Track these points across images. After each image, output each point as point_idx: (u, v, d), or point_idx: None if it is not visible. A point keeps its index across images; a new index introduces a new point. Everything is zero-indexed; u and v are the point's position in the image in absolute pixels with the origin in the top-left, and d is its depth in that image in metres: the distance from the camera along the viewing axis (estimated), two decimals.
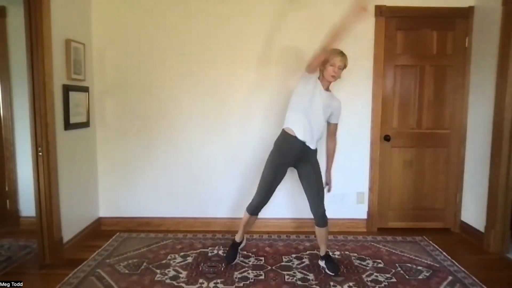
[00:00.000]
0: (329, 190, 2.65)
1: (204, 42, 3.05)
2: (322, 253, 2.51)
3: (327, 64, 2.34)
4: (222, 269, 2.46)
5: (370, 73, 3.06)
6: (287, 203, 3.18)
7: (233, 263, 2.51)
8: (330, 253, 2.62)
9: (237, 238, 2.64)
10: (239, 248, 2.65)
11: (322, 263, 2.49)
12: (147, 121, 3.12)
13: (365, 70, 3.06)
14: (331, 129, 2.60)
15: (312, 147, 2.40)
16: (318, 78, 2.40)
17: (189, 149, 3.15)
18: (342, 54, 2.35)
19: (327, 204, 3.11)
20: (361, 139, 3.13)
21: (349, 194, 3.19)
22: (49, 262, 2.47)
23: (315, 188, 2.43)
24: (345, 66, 2.39)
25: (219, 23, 3.03)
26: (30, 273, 2.40)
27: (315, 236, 3.00)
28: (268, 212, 3.16)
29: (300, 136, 2.34)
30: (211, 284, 2.26)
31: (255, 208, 2.50)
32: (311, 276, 2.36)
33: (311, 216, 2.65)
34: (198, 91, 3.09)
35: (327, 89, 2.44)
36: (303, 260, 2.60)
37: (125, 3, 3.04)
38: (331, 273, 2.40)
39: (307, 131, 2.34)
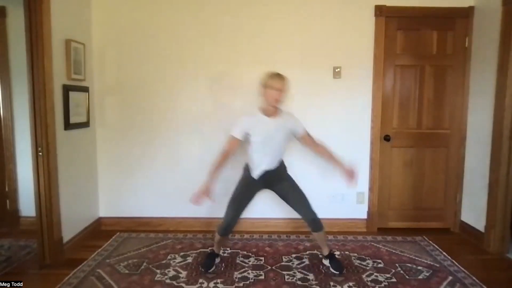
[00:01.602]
0: (352, 177, 2.39)
1: (203, 42, 3.05)
2: (325, 252, 2.50)
3: (267, 89, 2.23)
4: (222, 269, 2.46)
5: (370, 73, 3.06)
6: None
7: (210, 271, 2.42)
8: (334, 252, 2.61)
9: (215, 250, 2.55)
10: (216, 261, 2.53)
11: (326, 262, 2.49)
12: (147, 121, 3.12)
13: (365, 70, 3.06)
14: (307, 141, 2.44)
15: (274, 165, 2.37)
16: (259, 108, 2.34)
17: (189, 149, 3.15)
18: (280, 76, 2.25)
19: (327, 204, 3.14)
20: (361, 139, 3.13)
21: (349, 194, 3.19)
22: (49, 262, 2.47)
23: (296, 199, 2.40)
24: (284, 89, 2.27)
25: (219, 22, 3.03)
26: (30, 273, 2.40)
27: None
28: (268, 212, 3.17)
29: (259, 172, 2.36)
30: (211, 284, 2.26)
31: (224, 230, 2.41)
32: (311, 276, 2.36)
33: None
34: (198, 91, 3.09)
35: (273, 115, 2.31)
36: (303, 260, 2.60)
37: (125, 3, 3.04)
38: (335, 272, 2.40)
39: (265, 163, 2.34)
